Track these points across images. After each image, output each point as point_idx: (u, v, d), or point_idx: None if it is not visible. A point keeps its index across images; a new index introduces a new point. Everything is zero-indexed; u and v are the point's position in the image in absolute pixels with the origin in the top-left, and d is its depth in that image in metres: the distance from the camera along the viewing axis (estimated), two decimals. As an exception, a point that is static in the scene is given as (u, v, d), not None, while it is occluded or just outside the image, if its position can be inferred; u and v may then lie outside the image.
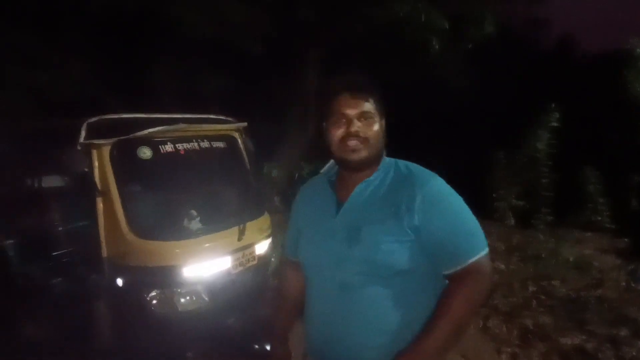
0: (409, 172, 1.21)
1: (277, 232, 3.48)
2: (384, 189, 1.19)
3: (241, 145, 3.49)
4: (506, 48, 9.62)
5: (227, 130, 3.39)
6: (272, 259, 3.43)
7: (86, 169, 2.59)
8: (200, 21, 5.48)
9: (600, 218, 5.48)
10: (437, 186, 1.16)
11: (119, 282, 2.61)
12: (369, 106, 1.18)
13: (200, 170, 3.14)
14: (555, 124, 4.02)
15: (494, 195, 4.22)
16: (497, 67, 9.41)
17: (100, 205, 2.62)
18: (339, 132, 1.19)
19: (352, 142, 1.17)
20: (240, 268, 2.98)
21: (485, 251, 1.13)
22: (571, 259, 4.83)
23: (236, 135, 3.47)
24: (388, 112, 1.24)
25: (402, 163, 1.25)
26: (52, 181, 3.67)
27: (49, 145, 3.13)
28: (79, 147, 2.55)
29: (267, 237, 3.30)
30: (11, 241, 3.36)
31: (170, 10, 5.50)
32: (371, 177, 1.21)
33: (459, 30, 6.30)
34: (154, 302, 2.55)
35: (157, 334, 2.57)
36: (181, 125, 2.89)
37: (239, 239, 2.94)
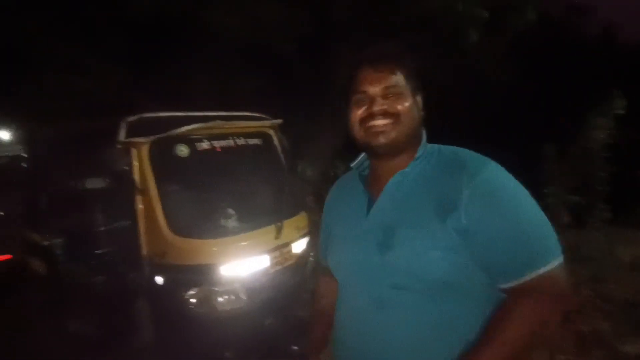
0: (455, 158, 0.98)
1: (313, 231, 3.41)
2: (423, 180, 0.97)
3: (276, 143, 3.44)
4: (549, 36, 9.13)
5: (262, 127, 3.36)
6: (310, 258, 3.35)
7: (126, 167, 2.61)
8: (236, 23, 5.52)
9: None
10: (493, 174, 0.92)
11: (158, 280, 2.61)
12: (396, 79, 0.97)
13: (237, 167, 3.11)
14: (620, 112, 3.66)
15: (544, 191, 3.94)
16: (541, 56, 8.93)
17: (139, 203, 2.64)
18: (359, 112, 0.99)
19: (378, 122, 0.97)
20: (278, 267, 2.93)
21: (558, 260, 0.88)
22: (627, 260, 4.48)
23: (271, 132, 3.43)
24: (426, 89, 1.03)
25: (447, 149, 1.02)
26: (95, 181, 3.78)
27: (91, 146, 3.20)
28: (119, 146, 2.58)
29: (304, 235, 3.23)
30: (59, 240, 3.48)
31: (207, 14, 5.58)
32: (407, 168, 1.00)
33: (498, 19, 6.02)
34: (192, 300, 2.54)
35: (195, 333, 2.56)
36: (217, 122, 2.88)
37: (276, 237, 2.89)
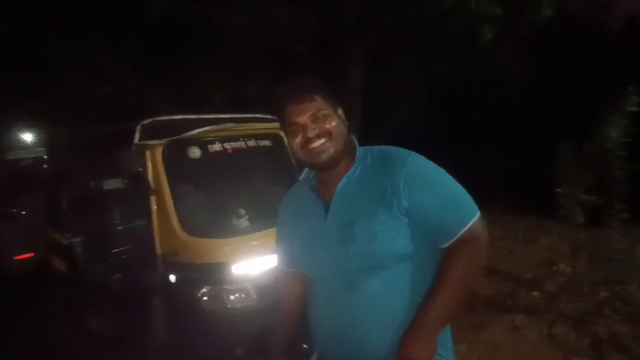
0: (383, 155, 1.19)
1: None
2: (365, 178, 1.17)
3: (287, 144, 3.47)
4: (568, 32, 8.90)
5: (273, 129, 3.40)
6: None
7: (140, 169, 2.69)
8: (248, 25, 5.59)
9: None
10: (416, 163, 1.15)
11: (172, 278, 2.68)
12: (317, 105, 1.15)
13: (248, 168, 3.17)
14: (633, 109, 3.58)
15: (558, 190, 3.86)
16: (559, 52, 8.72)
17: (153, 203, 2.71)
18: (297, 140, 1.17)
19: (315, 144, 1.15)
20: (288, 266, 2.96)
21: (476, 216, 1.12)
22: (650, 262, 4.34)
23: (282, 133, 3.46)
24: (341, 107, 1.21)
25: (375, 148, 1.23)
26: (112, 182, 3.90)
27: (108, 148, 3.31)
28: (133, 148, 2.65)
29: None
30: (78, 239, 3.60)
31: (218, 15, 5.66)
32: (350, 171, 1.19)
33: (513, 16, 5.92)
34: (204, 298, 2.60)
35: (207, 330, 2.62)
36: (228, 125, 2.93)
37: (286, 237, 2.92)
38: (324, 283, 1.22)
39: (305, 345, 2.75)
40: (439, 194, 1.12)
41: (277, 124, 3.77)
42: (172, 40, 6.84)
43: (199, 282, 2.63)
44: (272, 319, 1.50)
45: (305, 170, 1.33)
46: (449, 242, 1.11)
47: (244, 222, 2.89)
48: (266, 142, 3.30)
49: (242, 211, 2.91)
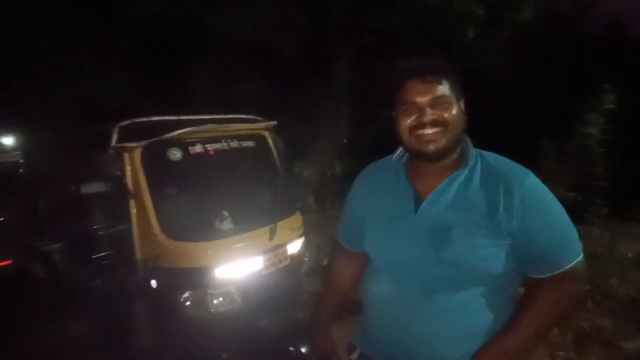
0: (499, 166, 1.07)
1: (310, 231, 3.41)
2: (473, 185, 1.06)
3: (271, 144, 3.45)
4: (549, 32, 9.06)
5: (256, 129, 3.37)
6: (306, 259, 3.35)
7: (119, 172, 2.62)
8: (235, 25, 5.54)
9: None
10: (535, 184, 1.05)
11: (153, 283, 2.63)
12: (443, 89, 1.03)
13: (231, 170, 3.12)
14: (610, 106, 3.66)
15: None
16: (540, 53, 8.86)
17: (132, 207, 2.65)
18: (409, 122, 1.05)
19: (428, 131, 1.03)
20: (273, 268, 2.93)
21: (581, 256, 1.04)
22: (630, 256, 4.42)
23: (266, 134, 3.43)
24: (466, 91, 1.08)
25: (487, 155, 1.11)
26: (91, 186, 3.80)
27: (86, 151, 3.23)
28: (111, 151, 2.59)
29: (299, 236, 3.23)
30: (57, 245, 3.51)
31: (207, 16, 5.60)
32: (458, 171, 1.07)
33: (496, 17, 6.00)
34: (187, 303, 2.55)
35: (190, 335, 2.57)
36: (209, 126, 2.89)
37: (270, 239, 2.89)
38: (399, 281, 1.11)
39: (291, 348, 2.74)
40: (552, 222, 1.03)
41: (260, 125, 3.75)
42: (159, 40, 6.74)
43: (182, 287, 2.59)
44: (319, 294, 1.39)
45: (400, 150, 1.18)
46: (549, 274, 1.03)
47: (227, 225, 2.85)
48: (249, 143, 3.25)
49: (226, 213, 2.87)
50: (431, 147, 1.04)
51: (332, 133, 6.52)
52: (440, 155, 1.06)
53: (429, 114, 1.03)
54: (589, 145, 3.77)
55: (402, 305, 1.10)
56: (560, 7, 10.91)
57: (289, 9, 5.69)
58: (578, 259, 1.03)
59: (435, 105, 1.03)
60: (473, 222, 1.02)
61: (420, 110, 1.03)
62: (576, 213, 4.18)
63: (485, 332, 1.07)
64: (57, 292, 3.49)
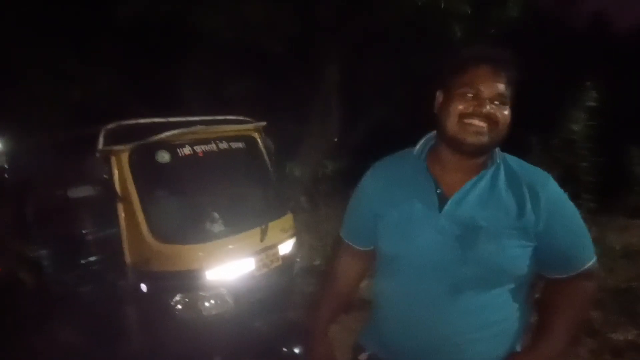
0: (522, 169, 1.08)
1: (303, 232, 3.40)
2: (499, 185, 1.05)
3: (261, 145, 3.43)
4: (535, 28, 9.17)
5: (245, 130, 3.35)
6: (297, 260, 3.35)
7: (106, 176, 2.59)
8: (223, 24, 5.51)
9: (649, 202, 5.09)
10: (557, 188, 1.08)
11: (143, 287, 2.60)
12: (505, 88, 1.01)
13: (220, 171, 3.10)
14: (592, 103, 3.72)
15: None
16: (526, 49, 8.97)
17: (121, 211, 2.62)
18: (463, 107, 1.01)
19: (480, 123, 1.00)
20: (265, 269, 2.92)
21: (595, 257, 1.10)
22: (618, 248, 4.51)
23: (255, 135, 3.42)
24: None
25: (508, 156, 1.11)
26: (79, 190, 3.75)
27: (72, 154, 3.18)
28: (97, 154, 2.56)
29: (291, 237, 3.23)
30: (45, 251, 3.46)
31: (193, 15, 5.56)
32: (487, 169, 1.06)
33: (482, 14, 6.05)
34: (178, 306, 2.53)
35: (182, 339, 2.55)
36: (198, 127, 2.87)
37: (262, 240, 2.89)
38: (421, 281, 1.07)
39: (284, 349, 2.74)
40: (573, 225, 1.07)
41: (250, 126, 3.74)
42: (146, 40, 6.66)
43: (172, 291, 2.56)
44: (319, 292, 1.35)
45: (422, 142, 1.15)
46: (567, 275, 1.07)
47: (218, 227, 2.83)
48: (239, 144, 3.24)
49: (216, 215, 2.85)
50: (474, 140, 1.01)
51: (323, 132, 6.51)
52: (478, 151, 1.04)
53: (487, 107, 0.99)
54: (575, 140, 3.82)
55: (426, 305, 1.07)
56: (544, 3, 11.05)
57: (277, 8, 5.67)
58: (594, 260, 1.08)
59: (494, 100, 1.00)
60: (503, 222, 1.02)
61: (480, 100, 1.00)
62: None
63: (509, 330, 1.09)
64: (46, 299, 3.43)
